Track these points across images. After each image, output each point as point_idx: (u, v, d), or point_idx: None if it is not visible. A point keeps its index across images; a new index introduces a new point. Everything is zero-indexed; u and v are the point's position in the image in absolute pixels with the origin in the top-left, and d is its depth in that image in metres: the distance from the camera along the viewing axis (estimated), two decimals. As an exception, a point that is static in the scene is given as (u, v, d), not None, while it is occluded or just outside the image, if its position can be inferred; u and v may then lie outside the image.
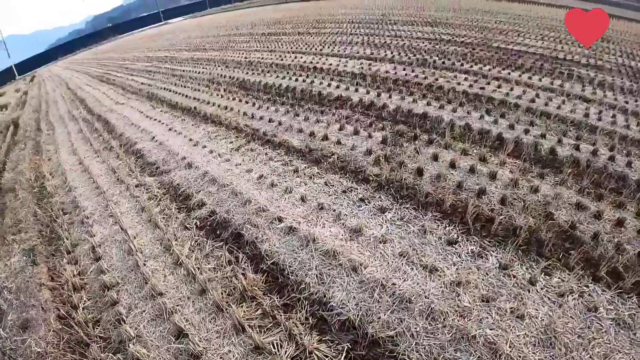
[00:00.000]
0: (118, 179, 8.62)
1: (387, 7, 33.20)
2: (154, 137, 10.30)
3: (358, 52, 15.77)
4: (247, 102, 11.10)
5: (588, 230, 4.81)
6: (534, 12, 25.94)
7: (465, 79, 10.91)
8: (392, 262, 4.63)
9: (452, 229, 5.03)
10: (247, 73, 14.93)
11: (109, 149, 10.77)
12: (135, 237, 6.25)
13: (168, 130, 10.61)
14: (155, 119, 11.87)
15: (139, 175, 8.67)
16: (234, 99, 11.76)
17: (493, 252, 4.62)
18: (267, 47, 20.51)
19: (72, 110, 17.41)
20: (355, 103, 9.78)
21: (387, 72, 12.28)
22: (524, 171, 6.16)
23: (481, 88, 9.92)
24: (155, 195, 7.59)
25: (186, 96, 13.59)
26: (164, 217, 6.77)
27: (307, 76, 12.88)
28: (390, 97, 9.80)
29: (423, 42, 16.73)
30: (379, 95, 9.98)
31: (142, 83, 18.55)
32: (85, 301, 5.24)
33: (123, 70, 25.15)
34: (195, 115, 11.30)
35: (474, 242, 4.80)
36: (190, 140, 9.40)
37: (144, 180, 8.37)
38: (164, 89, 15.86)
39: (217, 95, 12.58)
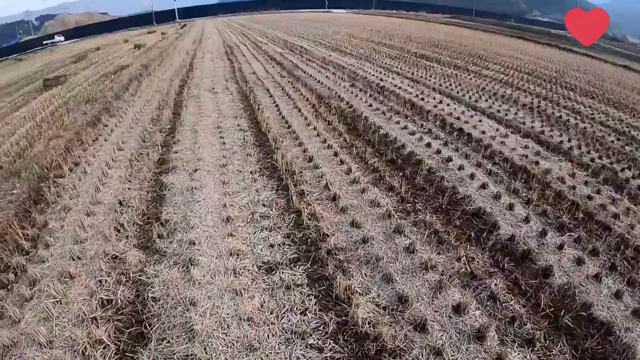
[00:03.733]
0: (104, 236, 5.37)
1: (561, 63, 26.90)
2: (195, 171, 6.99)
3: (524, 122, 10.87)
4: (341, 163, 7.21)
5: None
6: None
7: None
8: None
9: None
10: (370, 105, 11.00)
11: (144, 159, 7.72)
12: None
13: (220, 166, 7.22)
14: (220, 137, 8.61)
15: (130, 237, 5.35)
16: (329, 146, 7.96)
17: None
18: (413, 73, 16.38)
19: (170, 80, 15.05)
20: (502, 240, 5.35)
21: (561, 179, 7.39)
22: None
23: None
24: (114, 298, 4.22)
25: (280, 114, 10.11)
26: None
27: (445, 144, 8.47)
28: (562, 248, 5.21)
29: (609, 135, 11.17)
30: (543, 234, 5.43)
31: (253, 72, 15.65)
32: None
33: (254, 48, 22.83)
34: (267, 155, 7.74)
35: None
36: (224, 206, 5.83)
37: (128, 253, 5.03)
38: (267, 91, 12.63)
39: (313, 129, 8.87)
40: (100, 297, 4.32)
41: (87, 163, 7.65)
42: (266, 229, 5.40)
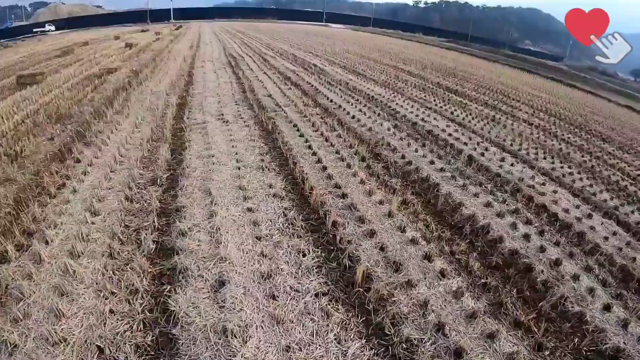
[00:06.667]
0: None
1: (575, 103, 25.06)
2: (221, 286, 4.36)
3: (595, 194, 8.70)
4: (442, 275, 4.80)
5: None
6: None
7: None
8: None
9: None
10: (431, 163, 8.48)
11: (131, 241, 4.94)
12: None
13: (261, 276, 4.55)
14: (248, 210, 5.90)
15: None
16: (414, 241, 5.44)
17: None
18: (452, 112, 14.08)
19: (165, 94, 12.21)
20: None
21: None
22: None
23: None
24: None
25: (324, 169, 7.49)
26: None
27: (541, 233, 6.37)
28: None
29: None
30: None
31: (268, 95, 12.95)
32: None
33: (261, 62, 20.15)
34: (329, 253, 5.13)
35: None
36: None
37: None
38: (294, 126, 9.96)
39: (379, 203, 6.30)
40: None
41: (43, 239, 4.80)
42: None
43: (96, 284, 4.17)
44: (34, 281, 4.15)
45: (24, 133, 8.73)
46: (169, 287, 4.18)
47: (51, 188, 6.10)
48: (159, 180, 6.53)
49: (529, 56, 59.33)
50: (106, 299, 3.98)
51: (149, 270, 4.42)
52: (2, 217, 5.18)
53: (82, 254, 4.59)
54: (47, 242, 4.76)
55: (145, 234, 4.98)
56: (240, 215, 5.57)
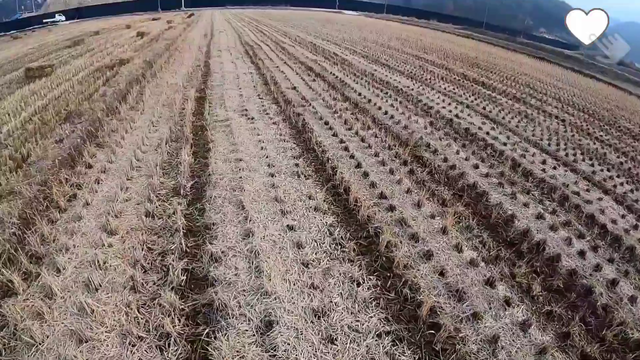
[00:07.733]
0: None
1: (600, 96, 23.89)
2: (269, 328, 3.61)
3: (637, 200, 7.99)
4: (507, 304, 4.25)
5: None
6: None
7: None
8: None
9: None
10: (475, 167, 7.73)
11: (156, 268, 4.26)
12: None
13: (313, 314, 3.84)
14: (288, 228, 5.19)
15: None
16: (472, 262, 4.84)
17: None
18: (484, 107, 13.20)
19: (182, 87, 11.49)
20: None
21: None
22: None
23: None
24: None
25: (365, 175, 6.74)
26: None
27: (594, 249, 5.88)
28: None
29: None
30: None
31: (292, 87, 12.18)
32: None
33: (279, 51, 19.28)
34: (385, 280, 4.46)
35: None
36: None
37: None
38: (326, 124, 9.20)
39: (431, 217, 5.63)
40: None
41: (53, 267, 4.14)
42: None
43: (119, 326, 3.50)
44: (46, 322, 3.51)
45: (31, 133, 8.08)
46: (207, 328, 3.50)
47: (61, 201, 5.42)
48: (182, 190, 5.82)
49: (545, 45, 57.53)
50: (133, 346, 3.33)
51: (181, 307, 3.72)
52: (6, 240, 4.50)
53: (100, 286, 3.93)
54: (58, 271, 4.10)
55: (172, 259, 4.28)
56: (280, 235, 4.85)
